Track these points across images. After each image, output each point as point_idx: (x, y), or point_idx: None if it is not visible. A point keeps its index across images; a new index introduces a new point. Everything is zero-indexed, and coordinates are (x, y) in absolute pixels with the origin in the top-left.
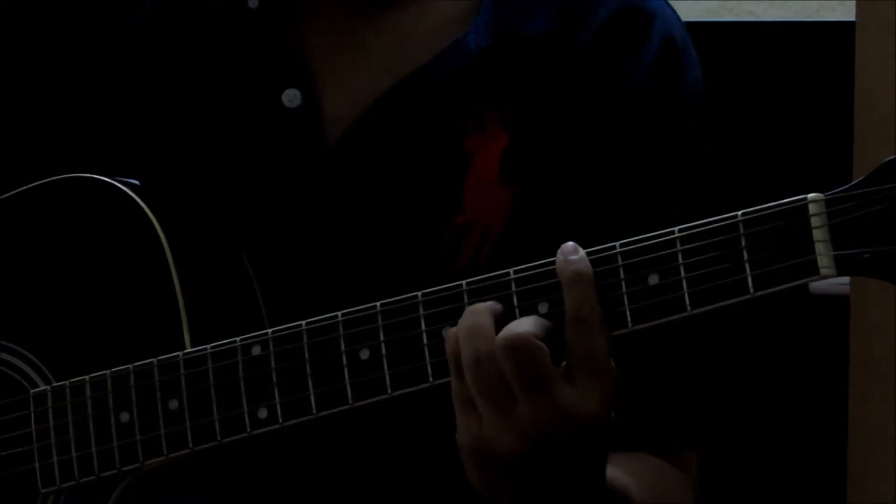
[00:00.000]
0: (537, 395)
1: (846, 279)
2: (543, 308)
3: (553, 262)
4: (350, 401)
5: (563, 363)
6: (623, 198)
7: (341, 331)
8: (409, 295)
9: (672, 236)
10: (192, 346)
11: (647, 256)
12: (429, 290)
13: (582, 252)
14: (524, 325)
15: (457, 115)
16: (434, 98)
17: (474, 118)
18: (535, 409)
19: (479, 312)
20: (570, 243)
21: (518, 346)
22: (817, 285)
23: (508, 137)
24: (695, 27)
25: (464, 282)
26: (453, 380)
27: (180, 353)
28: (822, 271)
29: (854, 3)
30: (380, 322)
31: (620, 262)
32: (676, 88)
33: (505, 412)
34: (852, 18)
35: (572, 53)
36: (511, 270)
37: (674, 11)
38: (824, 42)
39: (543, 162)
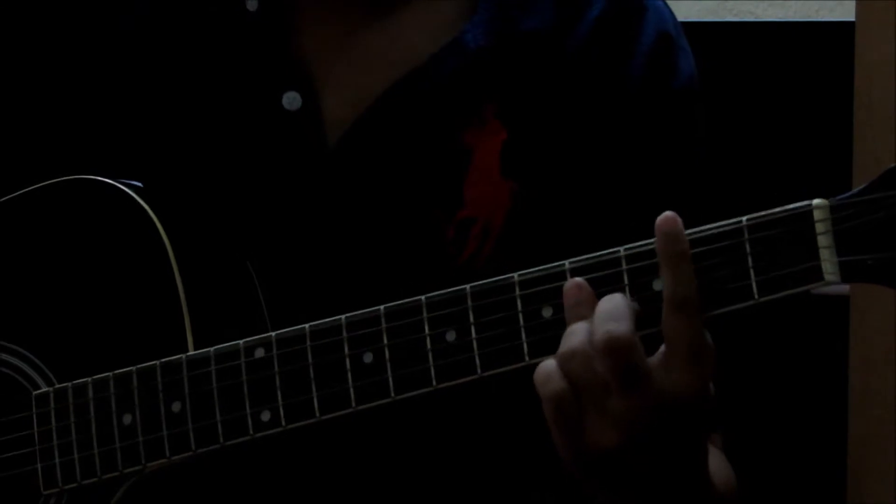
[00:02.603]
0: (636, 392)
1: None
2: (547, 313)
3: (555, 266)
4: (353, 404)
5: (659, 351)
6: (623, 191)
7: (345, 334)
8: (413, 298)
9: None
10: (195, 349)
11: (650, 261)
12: (432, 293)
13: (682, 227)
14: (622, 327)
15: (456, 111)
16: (433, 97)
17: (473, 113)
18: (633, 404)
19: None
20: (669, 216)
21: (616, 348)
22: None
23: (507, 132)
24: (695, 27)
25: (468, 286)
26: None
27: (183, 356)
28: (827, 277)
29: (854, 3)
30: (383, 325)
31: (625, 267)
32: (672, 80)
33: (603, 410)
34: (852, 18)
35: (568, 50)
36: (515, 274)
37: (665, 3)
38: (824, 42)
39: (543, 156)
